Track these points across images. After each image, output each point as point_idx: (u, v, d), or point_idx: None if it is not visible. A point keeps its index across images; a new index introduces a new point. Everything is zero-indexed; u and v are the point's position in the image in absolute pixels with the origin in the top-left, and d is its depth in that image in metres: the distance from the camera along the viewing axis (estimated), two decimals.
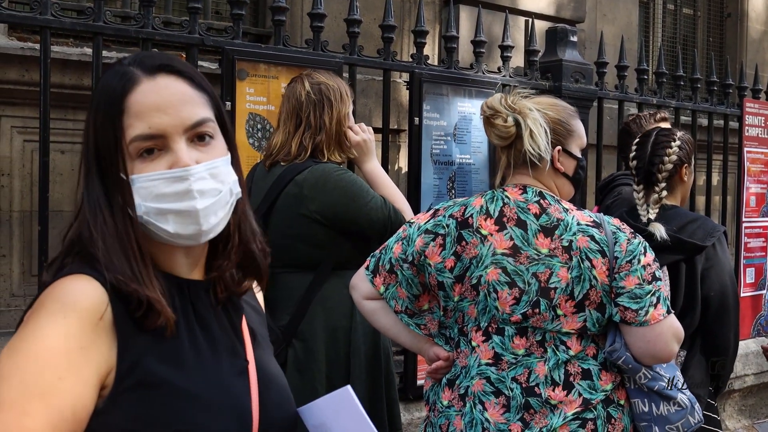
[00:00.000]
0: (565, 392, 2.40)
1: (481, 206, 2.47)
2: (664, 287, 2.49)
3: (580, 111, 4.76)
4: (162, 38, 3.43)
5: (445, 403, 2.51)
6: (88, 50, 4.12)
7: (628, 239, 2.43)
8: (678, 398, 2.51)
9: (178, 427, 1.30)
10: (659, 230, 3.03)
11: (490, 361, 2.43)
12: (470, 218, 2.46)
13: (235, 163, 1.48)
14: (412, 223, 2.57)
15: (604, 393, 2.43)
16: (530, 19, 4.87)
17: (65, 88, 4.17)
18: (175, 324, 1.36)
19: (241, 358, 1.46)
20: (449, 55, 4.31)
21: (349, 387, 1.52)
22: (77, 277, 1.31)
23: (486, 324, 2.44)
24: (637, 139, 3.33)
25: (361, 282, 2.63)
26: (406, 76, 4.36)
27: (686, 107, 5.57)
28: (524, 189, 2.49)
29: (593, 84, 4.93)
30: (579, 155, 2.59)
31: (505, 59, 4.54)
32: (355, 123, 3.21)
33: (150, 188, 1.35)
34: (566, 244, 2.39)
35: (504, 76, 4.53)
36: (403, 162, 5.39)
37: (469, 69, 4.43)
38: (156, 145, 1.36)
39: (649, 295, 2.40)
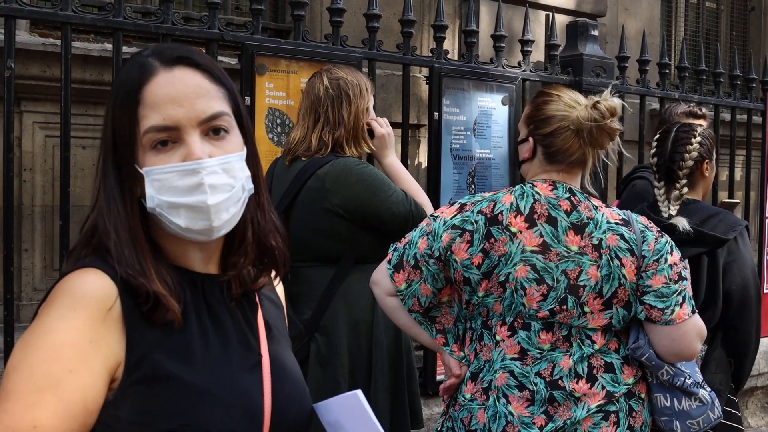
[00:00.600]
0: (589, 385, 2.40)
1: (511, 203, 2.45)
2: (689, 287, 2.49)
3: None
4: (182, 34, 3.43)
5: (468, 396, 2.50)
6: (109, 46, 4.14)
7: (656, 238, 2.44)
8: (699, 394, 2.51)
9: (185, 420, 1.29)
10: (682, 222, 3.01)
11: (515, 355, 2.43)
12: (500, 215, 2.44)
13: (254, 159, 1.48)
14: (436, 217, 2.54)
15: (626, 386, 2.44)
16: (551, 13, 4.84)
17: (86, 84, 4.20)
18: (185, 318, 1.37)
19: (255, 353, 1.46)
20: (469, 49, 4.29)
21: (358, 392, 1.51)
22: (87, 271, 1.32)
23: (512, 319, 2.44)
24: (657, 135, 3.31)
25: (382, 278, 2.59)
26: (425, 71, 4.35)
27: (709, 102, 5.51)
28: (554, 185, 2.48)
29: (614, 78, 4.89)
30: None
31: (526, 54, 4.52)
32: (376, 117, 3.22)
33: (163, 181, 1.34)
34: (596, 242, 2.40)
35: (524, 70, 4.51)
36: (422, 157, 5.38)
37: (489, 63, 4.42)
38: (170, 137, 1.35)
39: (675, 294, 2.41)
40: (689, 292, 2.47)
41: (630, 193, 3.78)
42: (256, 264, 1.52)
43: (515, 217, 2.43)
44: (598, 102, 2.42)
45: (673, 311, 2.40)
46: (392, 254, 2.60)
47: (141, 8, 4.42)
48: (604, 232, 2.40)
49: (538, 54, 4.94)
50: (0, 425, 1.19)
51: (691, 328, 2.44)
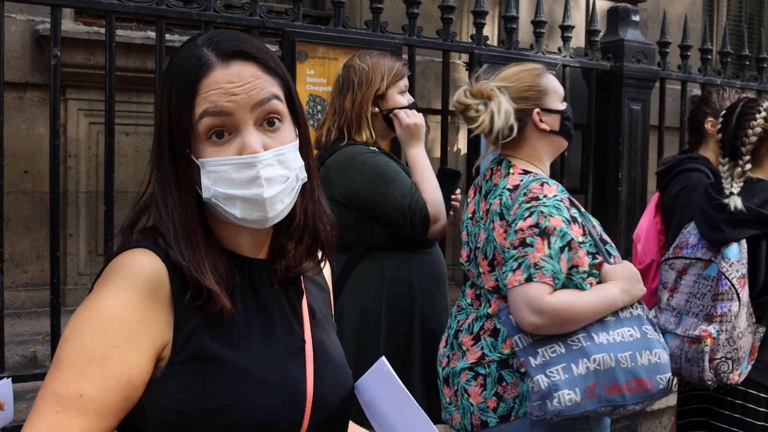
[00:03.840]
0: (473, 342, 2.57)
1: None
2: (535, 254, 2.39)
3: (641, 92, 4.74)
4: (223, 21, 3.46)
5: None
6: (151, 34, 4.20)
7: (522, 203, 2.47)
8: (535, 378, 2.38)
9: (228, 401, 1.33)
10: (735, 201, 2.98)
11: (465, 302, 2.73)
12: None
13: (307, 144, 1.49)
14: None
15: (500, 355, 2.51)
16: None
17: (129, 71, 4.25)
18: (232, 303, 1.39)
19: (298, 338, 1.48)
20: (509, 35, 4.28)
21: (383, 358, 1.54)
22: (140, 251, 1.36)
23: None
24: (723, 111, 3.27)
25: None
26: (465, 57, 4.34)
27: (751, 87, 5.42)
28: (496, 156, 2.73)
29: (655, 64, 4.85)
30: (560, 108, 2.71)
31: (566, 39, 4.49)
32: (414, 101, 3.19)
33: (220, 173, 1.36)
34: (488, 207, 2.58)
35: (564, 56, 4.48)
36: (461, 143, 5.38)
37: (530, 50, 4.39)
38: (225, 126, 1.36)
39: (511, 260, 2.42)
40: (531, 260, 2.38)
41: (685, 187, 3.69)
42: (305, 249, 1.53)
43: (473, 188, 2.77)
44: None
45: (506, 276, 2.41)
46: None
47: None
48: (496, 197, 2.57)
49: (577, 40, 4.91)
50: (49, 391, 1.27)
51: (519, 296, 2.37)
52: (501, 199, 2.52)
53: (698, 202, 3.18)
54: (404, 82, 3.12)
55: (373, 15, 3.81)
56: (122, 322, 1.30)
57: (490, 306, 2.57)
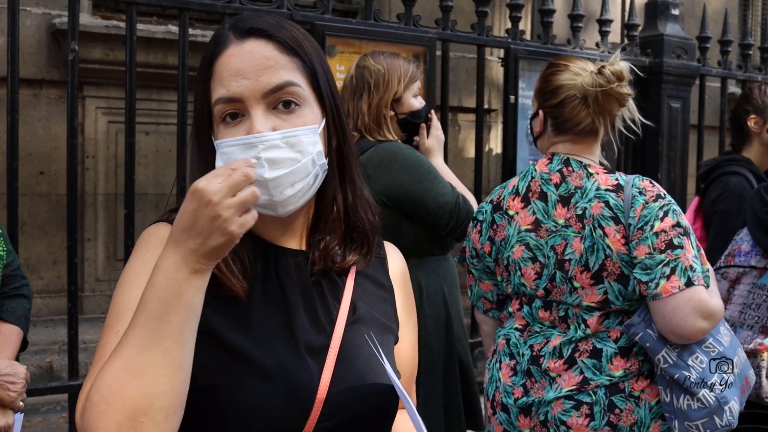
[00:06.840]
0: (566, 366, 2.29)
1: (514, 186, 2.45)
2: (687, 256, 2.22)
3: (681, 89, 4.54)
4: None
5: (492, 353, 2.57)
6: (173, 28, 4.05)
7: (646, 203, 2.24)
8: (700, 394, 2.21)
9: (219, 380, 1.29)
10: None
11: (519, 326, 2.43)
12: (502, 201, 2.45)
13: (340, 130, 1.46)
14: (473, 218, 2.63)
15: (609, 378, 2.26)
16: None
17: (150, 68, 4.10)
18: (249, 288, 1.38)
19: (324, 335, 1.40)
20: (545, 30, 4.10)
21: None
22: (162, 224, 1.43)
23: (520, 296, 2.44)
24: None
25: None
26: (497, 53, 4.17)
27: None
28: (551, 158, 2.44)
29: (695, 60, 4.66)
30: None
31: (604, 34, 4.31)
32: (426, 104, 3.04)
33: (228, 154, 1.33)
34: (580, 212, 2.30)
35: (602, 51, 4.30)
36: (493, 143, 5.21)
37: (567, 45, 4.23)
38: (238, 110, 1.35)
39: (660, 266, 2.18)
40: (685, 262, 2.20)
41: (723, 192, 3.52)
42: (346, 241, 1.50)
43: (513, 199, 2.43)
44: (603, 67, 2.35)
45: (657, 285, 2.18)
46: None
47: None
48: (590, 201, 2.29)
49: (612, 35, 4.72)
50: (99, 354, 1.29)
51: (683, 303, 2.17)
52: (608, 202, 2.26)
53: (751, 207, 3.01)
54: (417, 85, 3.00)
55: (405, 8, 3.65)
56: (147, 276, 1.27)
57: (585, 326, 2.30)
